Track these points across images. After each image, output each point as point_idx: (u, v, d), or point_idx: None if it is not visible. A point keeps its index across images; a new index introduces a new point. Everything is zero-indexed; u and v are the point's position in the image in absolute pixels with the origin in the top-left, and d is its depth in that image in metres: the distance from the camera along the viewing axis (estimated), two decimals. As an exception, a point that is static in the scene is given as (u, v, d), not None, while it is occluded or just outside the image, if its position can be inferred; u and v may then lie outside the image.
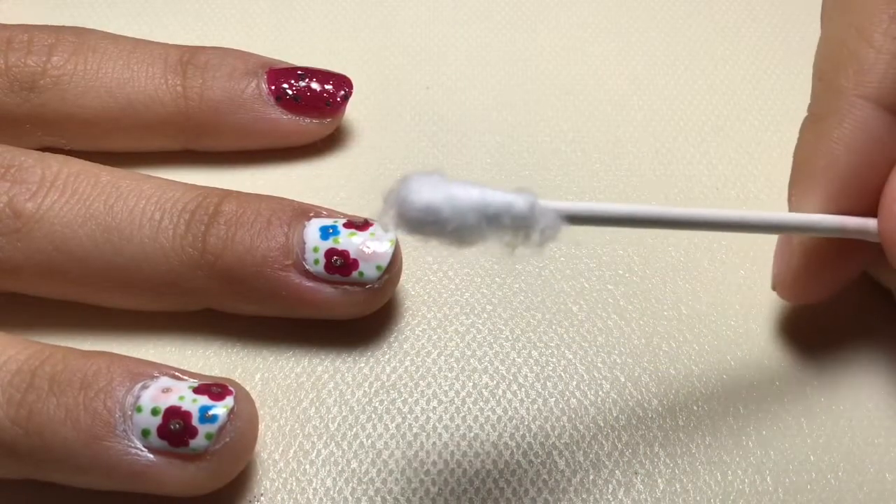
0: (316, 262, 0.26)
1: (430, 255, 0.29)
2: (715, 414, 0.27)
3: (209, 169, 0.31)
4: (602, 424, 0.26)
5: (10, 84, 0.29)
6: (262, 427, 0.26)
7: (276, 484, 0.25)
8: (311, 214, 0.27)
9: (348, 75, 0.32)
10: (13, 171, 0.27)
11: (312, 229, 0.27)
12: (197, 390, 0.24)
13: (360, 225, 0.27)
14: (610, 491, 0.25)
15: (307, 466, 0.26)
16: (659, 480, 0.26)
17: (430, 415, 0.26)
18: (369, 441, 0.26)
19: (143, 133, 0.30)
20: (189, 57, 0.31)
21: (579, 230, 0.30)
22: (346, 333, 0.27)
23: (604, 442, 0.26)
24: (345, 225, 0.27)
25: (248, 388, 0.26)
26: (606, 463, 0.26)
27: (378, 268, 0.26)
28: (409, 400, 0.27)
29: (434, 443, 0.26)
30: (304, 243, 0.26)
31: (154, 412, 0.23)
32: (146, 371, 0.24)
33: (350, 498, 0.25)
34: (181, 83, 0.30)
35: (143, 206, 0.27)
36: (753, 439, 0.26)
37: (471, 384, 0.27)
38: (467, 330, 0.28)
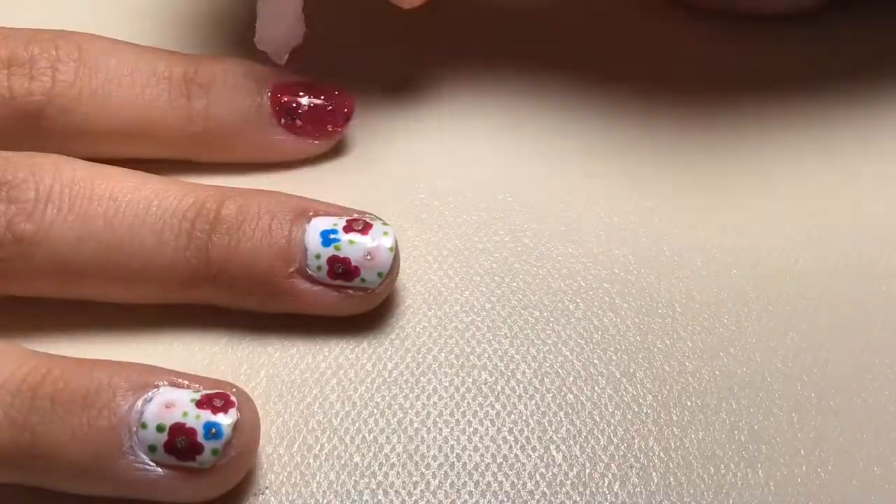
0: (319, 268, 0.27)
1: (430, 255, 0.30)
2: (708, 409, 0.27)
3: (208, 167, 0.31)
4: (598, 419, 0.27)
5: (15, 114, 0.29)
6: (267, 422, 0.26)
7: (281, 477, 0.26)
8: (311, 214, 0.27)
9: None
10: (6, 190, 0.26)
11: (313, 234, 0.27)
12: (199, 404, 0.24)
13: (361, 229, 0.27)
14: (606, 484, 0.26)
15: (311, 460, 0.26)
16: (653, 474, 0.26)
17: (431, 410, 0.27)
18: (371, 436, 0.26)
19: (145, 149, 0.30)
20: (193, 73, 0.30)
21: (578, 230, 0.30)
22: (349, 331, 0.28)
23: (600, 436, 0.27)
24: (345, 228, 0.27)
25: (253, 385, 0.27)
26: (602, 457, 0.26)
27: (379, 274, 0.27)
28: (410, 395, 0.27)
29: (434, 437, 0.26)
30: (306, 249, 0.27)
31: (159, 429, 0.24)
32: (148, 381, 0.24)
33: (353, 491, 0.26)
34: (185, 105, 0.30)
35: (142, 218, 0.27)
36: (746, 434, 0.27)
37: (470, 380, 0.27)
38: (467, 327, 0.28)
